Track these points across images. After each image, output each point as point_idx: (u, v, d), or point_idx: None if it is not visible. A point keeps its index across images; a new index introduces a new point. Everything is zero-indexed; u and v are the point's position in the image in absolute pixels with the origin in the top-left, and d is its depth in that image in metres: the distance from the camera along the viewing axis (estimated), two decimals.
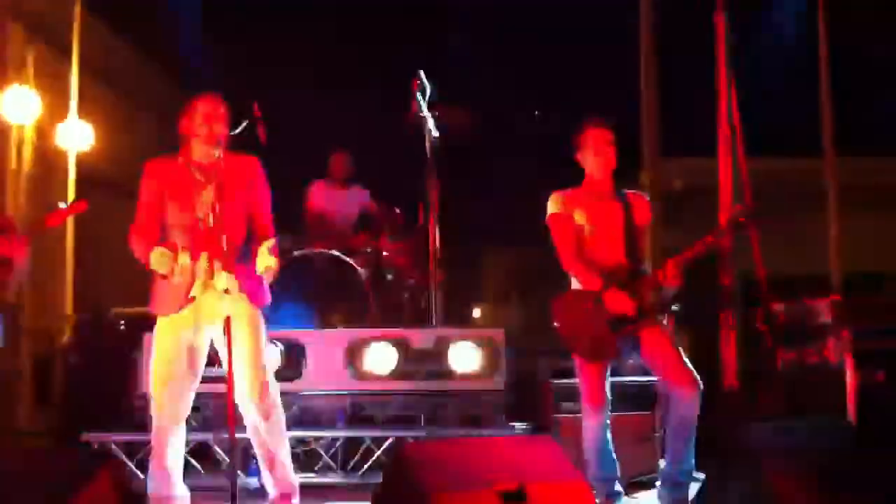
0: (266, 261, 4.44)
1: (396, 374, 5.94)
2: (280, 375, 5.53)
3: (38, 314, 8.61)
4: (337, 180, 7.77)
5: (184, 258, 4.44)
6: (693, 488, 4.43)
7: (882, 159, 11.18)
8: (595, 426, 4.64)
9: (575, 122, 4.87)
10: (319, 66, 10.72)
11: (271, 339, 4.90)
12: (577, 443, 4.71)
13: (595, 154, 4.76)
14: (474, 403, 5.98)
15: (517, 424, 5.97)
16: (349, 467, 5.78)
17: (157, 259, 4.38)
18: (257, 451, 4.65)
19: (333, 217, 7.65)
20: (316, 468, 5.75)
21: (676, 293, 4.71)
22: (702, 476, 4.24)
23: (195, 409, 4.81)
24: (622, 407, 5.52)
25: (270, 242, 4.49)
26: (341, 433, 5.85)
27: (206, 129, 4.55)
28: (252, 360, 4.57)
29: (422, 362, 6.02)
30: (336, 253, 6.89)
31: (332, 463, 5.78)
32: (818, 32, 8.82)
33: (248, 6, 10.67)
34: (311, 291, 6.78)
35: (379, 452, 5.71)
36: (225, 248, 4.41)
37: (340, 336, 6.14)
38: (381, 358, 5.92)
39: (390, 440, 5.73)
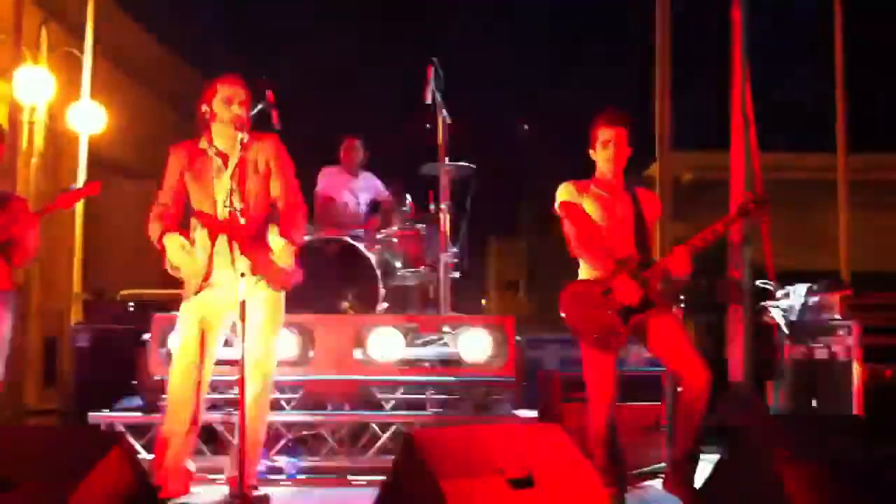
0: (283, 259, 4.49)
1: (404, 361, 5.95)
2: (287, 360, 5.57)
3: (46, 295, 8.65)
4: (348, 167, 7.76)
5: (203, 250, 4.46)
6: (699, 478, 4.43)
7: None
8: (601, 416, 4.63)
9: (587, 115, 4.87)
10: (333, 50, 10.72)
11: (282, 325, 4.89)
12: (583, 432, 4.70)
13: (604, 151, 4.75)
14: (482, 390, 5.99)
15: (524, 412, 5.98)
16: (356, 451, 5.79)
17: (175, 249, 4.39)
18: (237, 428, 4.61)
19: (344, 203, 7.64)
20: (323, 452, 5.76)
21: (685, 281, 4.68)
22: (708, 467, 4.24)
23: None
24: (629, 398, 5.53)
25: (288, 239, 4.53)
26: (348, 417, 5.87)
27: (226, 112, 4.55)
28: (262, 342, 4.58)
29: (430, 349, 6.04)
30: (346, 239, 6.89)
31: (338, 447, 5.79)
32: (834, 25, 8.80)
33: None
34: (320, 277, 6.79)
35: (385, 437, 5.72)
36: (244, 233, 4.42)
37: (349, 321, 6.15)
38: (389, 344, 5.93)
39: (397, 425, 5.74)
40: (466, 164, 6.83)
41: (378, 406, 5.98)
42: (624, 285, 4.52)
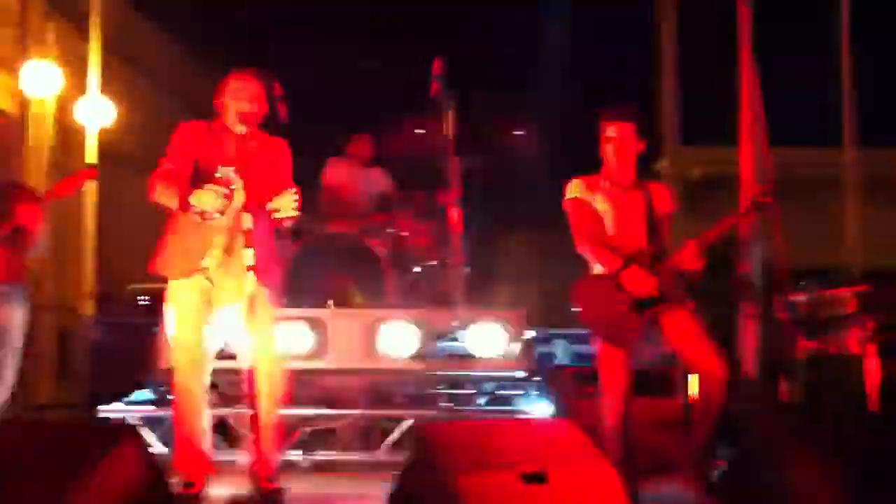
0: (286, 211, 4.47)
1: (416, 355, 5.95)
2: (299, 354, 5.57)
3: (59, 289, 8.65)
4: (359, 160, 7.75)
5: (237, 199, 4.44)
6: (715, 474, 4.42)
7: None
8: (616, 410, 4.62)
9: (596, 108, 4.86)
10: (342, 43, 10.71)
11: (290, 318, 4.90)
12: (596, 428, 4.69)
13: (610, 147, 4.74)
14: (494, 385, 5.99)
15: (536, 407, 5.98)
16: (367, 447, 5.79)
17: (210, 194, 4.36)
18: (251, 425, 4.63)
19: (353, 196, 7.64)
20: (334, 447, 5.77)
21: (697, 276, 4.68)
22: (724, 463, 4.23)
23: (213, 385, 4.83)
24: (644, 393, 5.52)
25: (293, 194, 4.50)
26: (360, 412, 5.87)
27: (234, 106, 4.58)
28: (264, 336, 4.58)
29: (442, 343, 6.03)
30: (355, 232, 6.89)
31: (350, 442, 5.80)
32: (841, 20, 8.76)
33: None
34: (330, 270, 6.79)
35: (398, 432, 5.72)
36: (246, 226, 4.42)
37: (360, 315, 6.15)
38: (401, 338, 5.93)
39: (410, 421, 5.74)
40: (477, 157, 6.83)
41: (390, 401, 5.98)
42: (634, 277, 4.50)
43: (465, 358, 5.96)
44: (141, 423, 5.65)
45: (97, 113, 8.85)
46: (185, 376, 4.57)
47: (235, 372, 4.63)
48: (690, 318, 4.61)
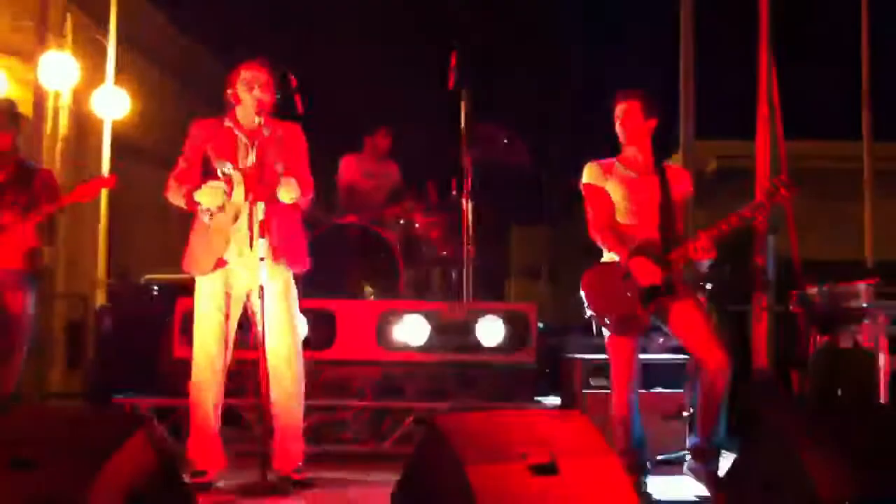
0: (287, 194, 4.49)
1: (427, 347, 5.95)
2: (310, 344, 5.57)
3: (71, 279, 8.69)
4: (374, 154, 7.76)
5: (237, 196, 4.47)
6: (722, 465, 4.41)
7: None
8: (623, 399, 4.62)
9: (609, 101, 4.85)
10: (356, 36, 10.71)
11: (301, 309, 4.91)
12: (605, 419, 4.68)
13: (618, 126, 4.73)
14: (504, 377, 5.98)
15: (546, 399, 5.97)
16: (377, 437, 5.79)
17: (209, 191, 4.40)
18: (275, 418, 4.68)
19: (367, 190, 7.65)
20: (344, 438, 5.77)
21: (709, 267, 4.66)
22: (732, 454, 4.22)
23: (229, 375, 4.85)
24: (652, 385, 5.52)
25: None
26: (369, 404, 5.87)
27: (248, 96, 4.60)
28: (285, 327, 4.62)
29: (452, 335, 6.03)
30: (368, 224, 6.89)
31: (359, 433, 5.80)
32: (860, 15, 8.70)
33: None
34: (342, 261, 6.80)
35: (407, 424, 5.72)
36: (262, 216, 4.44)
37: (372, 306, 6.16)
38: (412, 329, 5.93)
39: (419, 412, 5.74)
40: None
41: (399, 392, 5.99)
42: (641, 266, 4.48)
43: (476, 350, 5.96)
44: (151, 413, 5.66)
45: (113, 104, 8.89)
46: (201, 367, 4.61)
47: (253, 362, 4.65)
48: (696, 309, 4.60)
